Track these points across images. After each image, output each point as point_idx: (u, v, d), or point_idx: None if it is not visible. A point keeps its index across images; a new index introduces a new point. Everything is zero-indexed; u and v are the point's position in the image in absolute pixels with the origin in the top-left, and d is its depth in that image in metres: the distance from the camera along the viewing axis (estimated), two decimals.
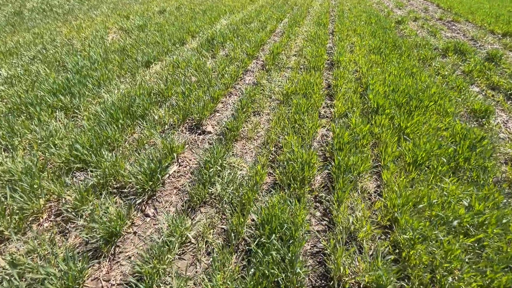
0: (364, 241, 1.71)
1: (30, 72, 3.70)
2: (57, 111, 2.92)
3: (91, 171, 2.19)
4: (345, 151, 2.29)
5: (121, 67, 3.94)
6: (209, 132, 2.83)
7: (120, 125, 2.62)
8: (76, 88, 3.22)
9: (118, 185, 2.14)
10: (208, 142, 2.69)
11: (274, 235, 1.66)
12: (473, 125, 2.89)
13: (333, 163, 2.26)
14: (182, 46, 4.96)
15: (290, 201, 1.93)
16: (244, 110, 3.02)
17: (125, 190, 2.08)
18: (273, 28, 6.10)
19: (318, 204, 2.06)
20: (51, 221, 1.90)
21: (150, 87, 3.32)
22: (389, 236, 1.79)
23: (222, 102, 3.35)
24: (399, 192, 1.91)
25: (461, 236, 1.68)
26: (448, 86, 3.59)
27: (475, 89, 3.69)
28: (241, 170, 2.35)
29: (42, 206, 1.92)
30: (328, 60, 4.59)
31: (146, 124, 2.72)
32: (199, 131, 2.84)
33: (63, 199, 1.97)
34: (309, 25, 6.67)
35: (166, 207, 2.04)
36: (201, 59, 4.28)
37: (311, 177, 2.18)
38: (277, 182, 2.20)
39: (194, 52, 4.53)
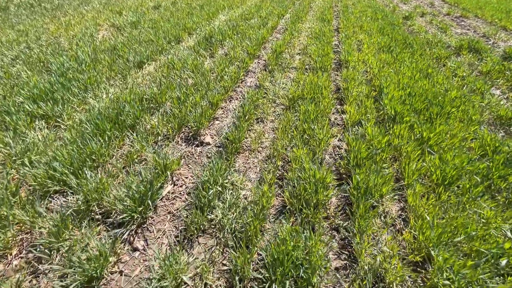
0: (395, 285, 1.44)
1: (10, 74, 3.37)
2: (37, 120, 2.61)
3: (72, 194, 1.90)
4: (364, 169, 2.01)
5: (111, 68, 3.61)
6: (208, 144, 2.53)
7: (107, 137, 2.31)
8: (59, 93, 2.90)
9: (102, 210, 1.84)
10: (207, 155, 2.39)
11: (287, 281, 1.37)
12: (500, 134, 2.61)
13: (350, 183, 1.98)
14: (177, 44, 4.62)
15: (303, 231, 1.64)
16: (246, 117, 2.71)
17: (110, 219, 1.78)
18: (274, 25, 5.76)
19: (335, 233, 1.77)
20: (21, 257, 1.60)
21: (142, 91, 3.00)
22: (421, 275, 1.51)
23: (221, 108, 3.05)
24: (431, 221, 1.63)
25: (509, 278, 1.41)
26: (468, 89, 3.29)
27: (496, 92, 3.40)
28: (244, 189, 2.06)
29: (11, 240, 1.62)
30: (335, 59, 4.28)
31: (137, 135, 2.41)
32: (197, 142, 2.54)
33: (37, 232, 1.67)
34: (312, 21, 6.32)
35: (159, 237, 1.75)
36: (198, 59, 3.95)
37: (325, 200, 1.89)
38: (286, 205, 1.92)
39: (191, 51, 4.20)
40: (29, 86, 3.01)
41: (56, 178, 1.92)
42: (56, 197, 1.91)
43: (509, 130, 2.66)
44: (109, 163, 2.19)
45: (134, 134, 2.41)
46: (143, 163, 2.23)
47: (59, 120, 2.64)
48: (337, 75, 3.79)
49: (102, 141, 2.26)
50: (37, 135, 2.39)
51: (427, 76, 3.51)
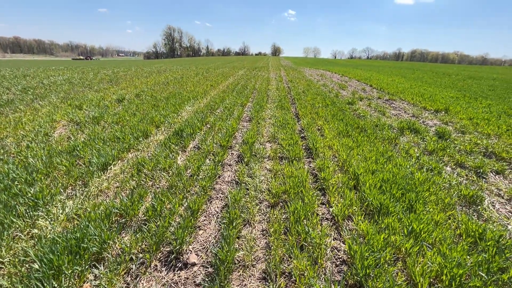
0: None
1: None
2: None
3: None
4: (375, 281, 1.85)
5: (69, 174, 3.20)
6: (194, 264, 2.15)
7: (64, 278, 1.81)
8: None
9: None
10: (195, 282, 2.00)
11: None
12: (469, 213, 2.79)
13: None
14: (146, 139, 4.49)
15: None
16: (234, 224, 2.48)
17: None
18: (240, 114, 6.16)
19: None
20: None
21: (109, 203, 2.63)
22: None
23: (202, 212, 2.78)
24: None
25: None
26: (427, 169, 3.66)
27: (447, 168, 3.85)
28: None
29: None
30: (303, 146, 4.55)
31: (105, 268, 1.95)
32: (180, 264, 2.15)
33: None
34: (272, 108, 6.98)
35: None
36: (170, 155, 3.81)
37: None
38: None
39: (162, 148, 4.07)
40: None
41: None
42: None
43: (477, 209, 2.89)
44: None
45: (101, 267, 1.94)
46: None
47: None
48: (310, 163, 3.95)
49: (56, 285, 1.74)
50: None
51: (389, 158, 3.87)
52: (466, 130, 5.49)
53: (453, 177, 3.47)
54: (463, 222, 2.51)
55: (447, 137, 5.03)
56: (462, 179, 3.52)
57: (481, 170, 3.72)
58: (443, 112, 7.13)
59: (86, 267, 1.97)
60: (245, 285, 1.99)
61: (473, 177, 3.56)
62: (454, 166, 3.93)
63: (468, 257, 2.11)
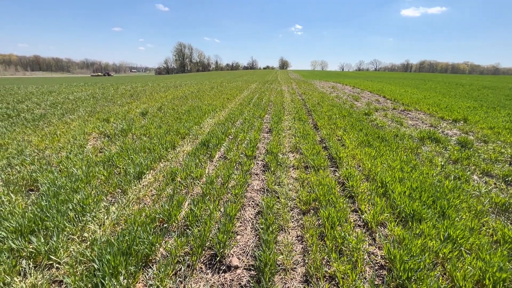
0: None
1: None
2: (24, 260, 2.15)
3: None
4: (418, 283, 1.89)
5: (108, 183, 3.39)
6: (236, 267, 2.25)
7: (122, 278, 1.93)
8: (52, 221, 2.53)
9: None
10: (240, 284, 2.08)
11: None
12: (503, 220, 2.79)
13: None
14: (173, 150, 4.69)
15: None
16: (271, 229, 2.57)
17: None
18: (260, 126, 6.34)
19: None
20: None
21: (151, 210, 2.78)
22: None
23: (237, 218, 2.89)
24: None
25: None
26: (453, 177, 3.68)
27: (474, 177, 3.85)
28: None
29: None
30: (326, 155, 4.64)
31: (156, 269, 2.07)
32: (223, 267, 2.25)
33: None
34: (290, 120, 7.14)
35: None
36: (200, 165, 3.97)
37: None
38: None
39: (191, 158, 4.25)
40: (14, 214, 2.61)
41: None
42: None
43: (510, 216, 2.88)
44: None
45: (154, 268, 2.07)
46: None
47: (52, 257, 2.20)
48: (335, 172, 4.03)
49: (115, 283, 1.87)
50: (22, 286, 1.91)
51: (414, 167, 3.91)
52: (489, 139, 5.47)
53: (482, 185, 3.47)
54: (498, 229, 2.52)
55: (469, 146, 5.02)
56: (491, 187, 3.52)
57: (510, 178, 3.70)
58: (461, 122, 7.11)
59: (139, 268, 2.10)
60: (289, 287, 2.07)
61: (502, 186, 3.56)
62: (480, 175, 3.92)
63: (508, 263, 2.12)
